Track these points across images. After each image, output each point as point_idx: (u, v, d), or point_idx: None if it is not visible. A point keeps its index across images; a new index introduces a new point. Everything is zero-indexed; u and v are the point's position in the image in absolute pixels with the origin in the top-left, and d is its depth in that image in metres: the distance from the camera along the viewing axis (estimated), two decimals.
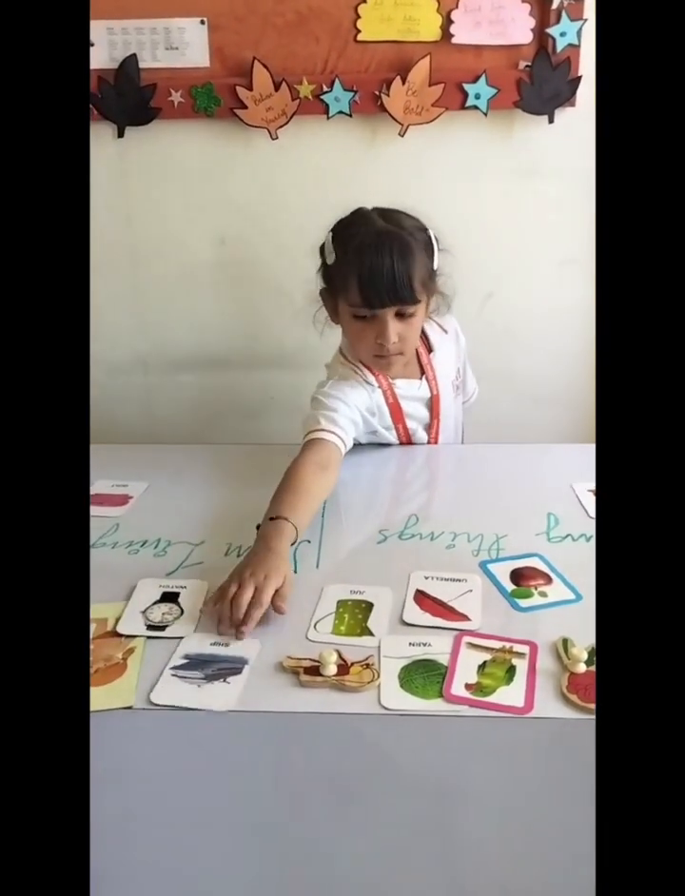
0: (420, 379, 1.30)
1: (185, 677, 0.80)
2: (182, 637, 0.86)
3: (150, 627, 0.88)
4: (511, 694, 0.77)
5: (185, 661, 0.82)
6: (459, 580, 0.94)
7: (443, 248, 1.21)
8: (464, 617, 0.88)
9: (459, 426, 1.41)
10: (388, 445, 1.31)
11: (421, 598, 0.91)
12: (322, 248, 1.22)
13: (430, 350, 1.32)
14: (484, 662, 0.81)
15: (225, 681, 0.80)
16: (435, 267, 1.19)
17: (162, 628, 0.88)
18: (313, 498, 1.06)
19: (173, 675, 0.81)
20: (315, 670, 0.79)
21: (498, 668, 0.80)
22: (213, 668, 0.81)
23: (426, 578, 0.95)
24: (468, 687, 0.78)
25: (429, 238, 1.18)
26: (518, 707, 0.76)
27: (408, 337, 1.18)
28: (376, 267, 1.11)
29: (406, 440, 1.32)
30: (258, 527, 1.00)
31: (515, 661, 0.81)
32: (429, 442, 1.33)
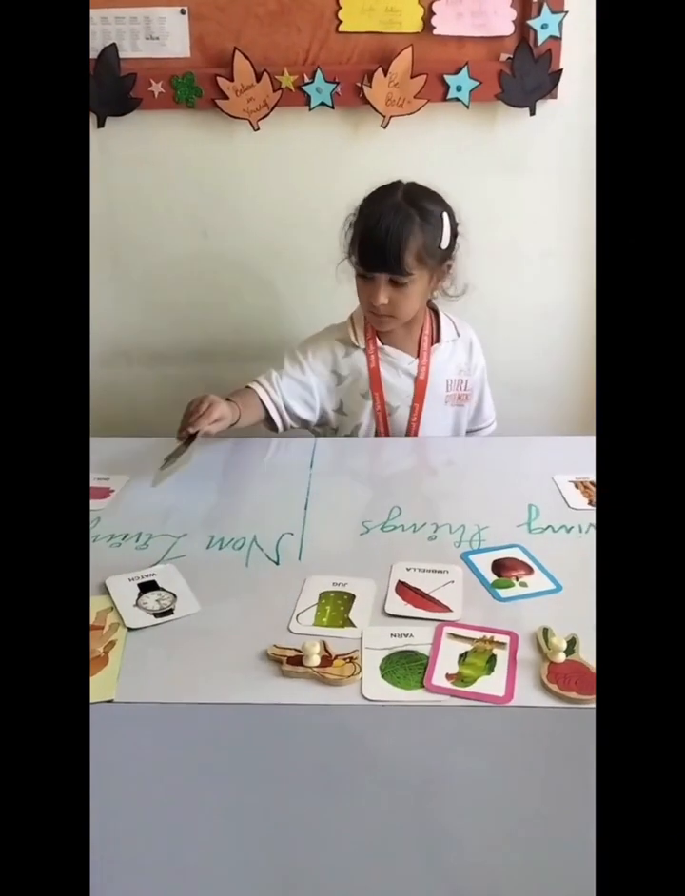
0: (415, 357, 1.34)
1: None
2: (193, 614, 0.89)
3: (159, 614, 0.88)
4: (492, 684, 0.78)
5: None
6: (441, 572, 0.95)
7: (460, 231, 1.28)
8: (446, 608, 0.88)
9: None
10: (371, 437, 1.31)
11: (403, 589, 0.92)
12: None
13: (435, 341, 1.35)
14: (465, 652, 0.82)
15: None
16: (440, 246, 1.24)
17: (170, 612, 0.89)
18: (237, 398, 1.28)
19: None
20: (298, 660, 0.80)
21: (478, 658, 0.81)
22: None
23: (408, 570, 0.95)
24: (449, 677, 0.78)
25: (441, 219, 1.24)
26: (498, 696, 0.76)
27: (400, 304, 1.25)
28: (373, 234, 1.21)
29: (382, 414, 1.34)
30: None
31: (496, 651, 0.82)
32: (410, 426, 1.35)
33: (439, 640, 0.83)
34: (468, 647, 0.83)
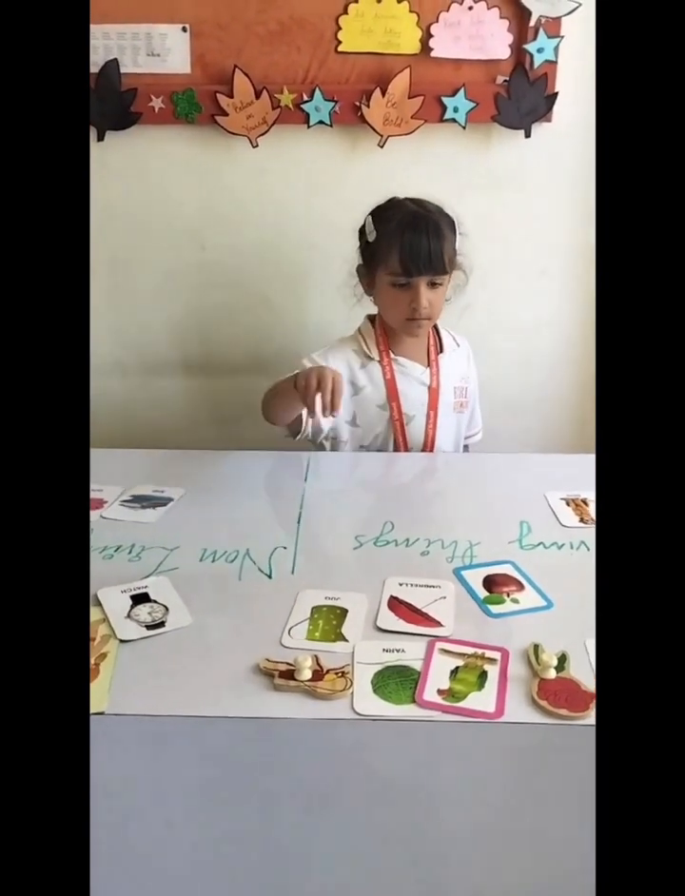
0: (426, 367, 1.40)
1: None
2: (185, 627, 0.89)
3: (151, 627, 0.88)
4: (482, 700, 0.78)
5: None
6: (433, 587, 0.95)
7: (462, 232, 1.36)
8: (437, 623, 0.89)
9: (459, 449, 1.46)
10: (363, 452, 1.31)
11: (395, 604, 0.92)
12: (361, 230, 1.37)
13: (440, 351, 1.43)
14: (456, 668, 0.82)
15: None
16: (456, 247, 1.34)
17: (162, 624, 0.89)
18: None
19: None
20: (290, 674, 0.80)
21: (469, 674, 0.81)
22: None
23: (400, 585, 0.96)
24: (440, 692, 0.79)
25: (452, 221, 1.34)
26: (489, 712, 0.77)
27: (436, 304, 1.33)
28: (415, 241, 1.28)
29: (400, 423, 1.37)
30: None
31: (486, 667, 0.82)
32: (427, 434, 1.39)
33: (430, 656, 0.84)
34: (459, 662, 0.83)
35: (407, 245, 1.28)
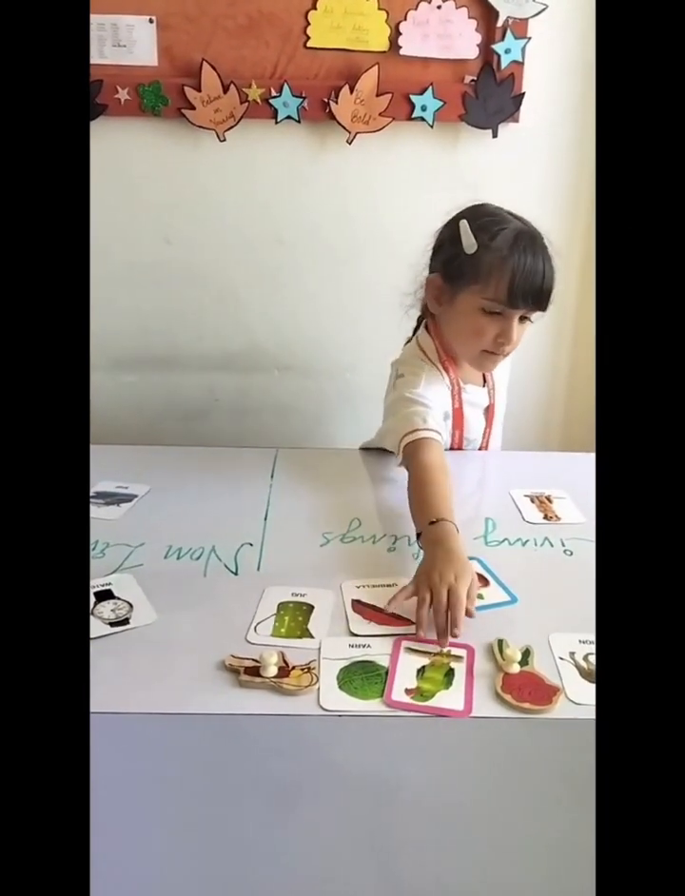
0: (483, 386, 1.30)
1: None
2: (149, 624, 0.88)
3: (114, 624, 0.87)
4: (451, 698, 0.78)
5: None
6: (391, 585, 0.95)
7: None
8: (406, 621, 0.89)
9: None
10: (332, 449, 1.31)
11: (360, 608, 0.91)
12: (450, 237, 1.18)
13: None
14: (423, 667, 0.82)
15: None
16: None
17: (126, 621, 0.88)
18: (451, 497, 1.04)
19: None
20: (255, 670, 0.79)
21: (436, 672, 0.82)
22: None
23: (358, 587, 0.95)
24: (408, 692, 0.79)
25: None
26: (457, 710, 0.77)
27: (520, 340, 1.18)
28: (534, 268, 1.11)
29: (459, 447, 1.30)
30: (419, 536, 0.99)
31: (453, 664, 0.83)
32: (481, 448, 1.33)
33: (396, 655, 0.84)
34: (426, 661, 0.83)
35: (522, 271, 1.10)
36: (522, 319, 1.16)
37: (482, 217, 1.16)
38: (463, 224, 1.14)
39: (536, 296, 1.12)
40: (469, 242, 1.13)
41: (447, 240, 1.19)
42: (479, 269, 1.12)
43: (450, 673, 0.81)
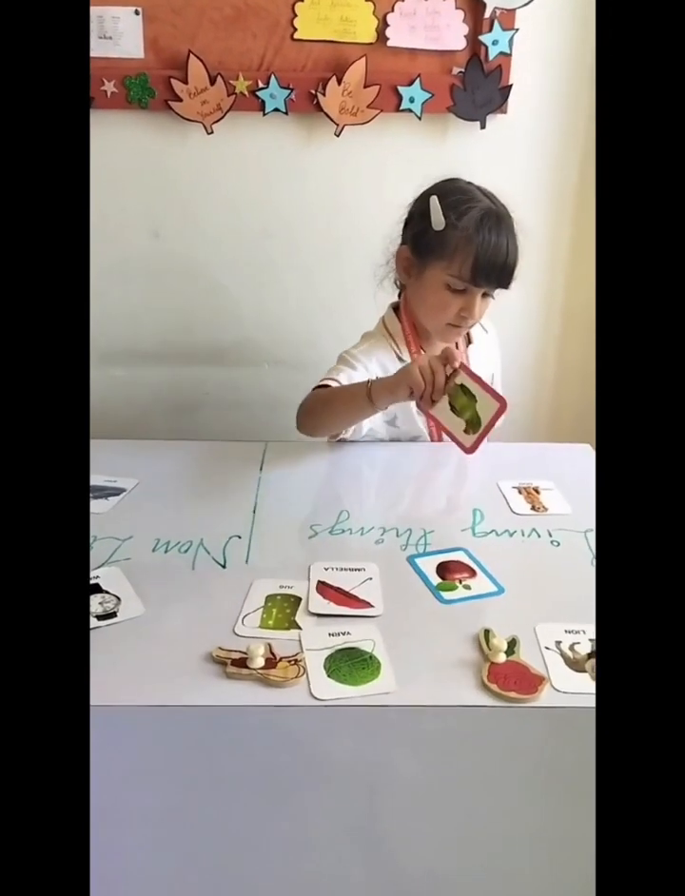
0: None
1: None
2: (137, 617, 0.87)
3: (102, 617, 0.87)
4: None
5: None
6: (358, 569, 0.96)
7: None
8: (367, 604, 0.90)
9: None
10: (321, 443, 1.32)
11: (324, 588, 0.93)
12: (419, 213, 1.21)
13: (469, 342, 1.35)
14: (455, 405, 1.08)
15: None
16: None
17: (113, 615, 0.88)
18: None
19: None
20: (242, 662, 0.80)
21: (463, 399, 1.08)
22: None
23: (326, 569, 0.96)
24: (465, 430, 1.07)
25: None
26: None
27: (483, 314, 1.23)
28: (497, 248, 1.14)
29: (438, 439, 1.30)
30: (370, 394, 1.12)
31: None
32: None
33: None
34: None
35: (486, 250, 1.13)
36: (485, 295, 1.20)
37: (453, 194, 1.19)
38: (433, 200, 1.17)
39: (498, 275, 1.16)
40: (438, 219, 1.16)
41: (417, 214, 1.22)
42: (444, 246, 1.16)
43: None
